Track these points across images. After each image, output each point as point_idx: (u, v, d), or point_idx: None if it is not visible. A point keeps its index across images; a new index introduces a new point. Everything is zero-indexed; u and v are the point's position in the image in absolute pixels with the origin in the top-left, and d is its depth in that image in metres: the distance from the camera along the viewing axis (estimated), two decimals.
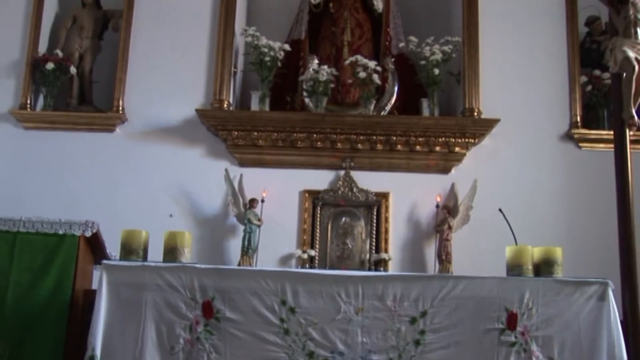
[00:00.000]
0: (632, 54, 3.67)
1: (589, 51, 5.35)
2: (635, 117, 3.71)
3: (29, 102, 5.14)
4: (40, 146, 5.07)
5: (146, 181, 5.00)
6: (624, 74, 3.73)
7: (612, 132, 3.91)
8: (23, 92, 5.13)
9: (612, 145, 3.85)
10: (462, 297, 3.43)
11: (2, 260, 3.60)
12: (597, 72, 5.17)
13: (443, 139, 5.04)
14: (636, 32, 3.70)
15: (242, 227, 4.84)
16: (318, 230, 4.95)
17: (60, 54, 5.24)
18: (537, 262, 3.64)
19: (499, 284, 3.48)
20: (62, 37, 5.38)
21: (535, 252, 3.66)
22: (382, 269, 4.82)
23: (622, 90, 3.74)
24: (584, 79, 5.16)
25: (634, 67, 3.67)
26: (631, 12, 3.70)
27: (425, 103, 5.19)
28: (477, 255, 4.71)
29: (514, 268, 3.62)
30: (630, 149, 3.74)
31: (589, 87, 5.16)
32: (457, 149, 5.07)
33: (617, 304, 3.45)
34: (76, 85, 5.33)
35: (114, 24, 5.48)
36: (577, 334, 3.38)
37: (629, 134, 3.76)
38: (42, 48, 5.29)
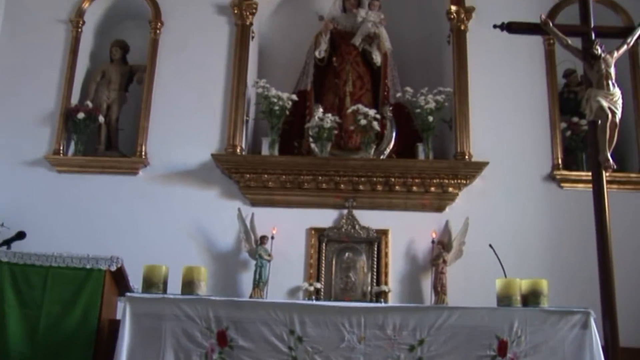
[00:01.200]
0: (605, 104, 3.76)
1: (567, 100, 5.44)
2: (610, 160, 3.77)
3: (61, 148, 5.24)
4: (71, 188, 5.14)
5: (166, 220, 5.04)
6: (599, 122, 3.81)
7: (590, 174, 3.98)
8: (56, 139, 5.23)
9: (590, 185, 3.90)
10: (457, 326, 3.47)
11: (35, 292, 3.68)
12: (575, 119, 5.25)
13: (437, 180, 5.10)
14: (608, 84, 3.80)
15: (253, 262, 4.86)
16: (323, 265, 4.97)
17: (90, 104, 5.37)
18: (524, 294, 3.67)
19: (490, 314, 3.52)
20: (92, 89, 5.51)
21: (523, 284, 3.70)
22: (382, 300, 4.81)
23: (598, 136, 3.81)
24: (563, 125, 5.25)
25: (607, 116, 3.76)
26: (603, 66, 3.81)
27: (420, 147, 5.26)
28: (470, 287, 4.71)
29: (504, 299, 3.66)
30: (606, 188, 3.80)
31: (568, 133, 5.24)
32: (450, 189, 5.11)
33: (598, 331, 3.48)
34: (104, 133, 5.45)
35: (138, 77, 5.62)
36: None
37: (605, 175, 3.81)
38: (74, 99, 5.41)
